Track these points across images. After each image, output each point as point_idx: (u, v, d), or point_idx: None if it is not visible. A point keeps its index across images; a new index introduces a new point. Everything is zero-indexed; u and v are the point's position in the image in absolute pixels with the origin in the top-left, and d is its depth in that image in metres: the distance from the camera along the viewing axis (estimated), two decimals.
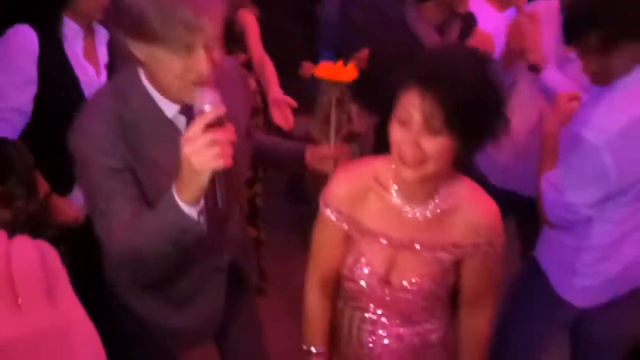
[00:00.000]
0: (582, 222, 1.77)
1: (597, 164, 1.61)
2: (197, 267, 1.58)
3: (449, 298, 1.57)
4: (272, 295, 2.84)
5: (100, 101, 1.43)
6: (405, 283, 1.46)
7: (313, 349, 1.59)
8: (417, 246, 1.44)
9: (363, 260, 1.48)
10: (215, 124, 1.22)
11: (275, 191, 3.62)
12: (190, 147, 1.22)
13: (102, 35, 2.06)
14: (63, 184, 2.03)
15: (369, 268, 1.47)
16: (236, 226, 1.67)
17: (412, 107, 1.27)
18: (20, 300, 0.46)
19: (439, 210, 1.43)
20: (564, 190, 1.73)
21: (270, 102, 2.36)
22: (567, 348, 2.18)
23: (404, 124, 1.29)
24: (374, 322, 1.57)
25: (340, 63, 1.69)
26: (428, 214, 1.43)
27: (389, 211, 1.45)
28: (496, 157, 2.31)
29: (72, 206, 2.05)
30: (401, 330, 1.56)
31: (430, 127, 1.26)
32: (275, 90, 2.40)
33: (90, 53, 2.02)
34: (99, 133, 1.37)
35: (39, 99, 1.94)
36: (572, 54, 2.03)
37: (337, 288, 1.61)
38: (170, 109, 1.41)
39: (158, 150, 1.39)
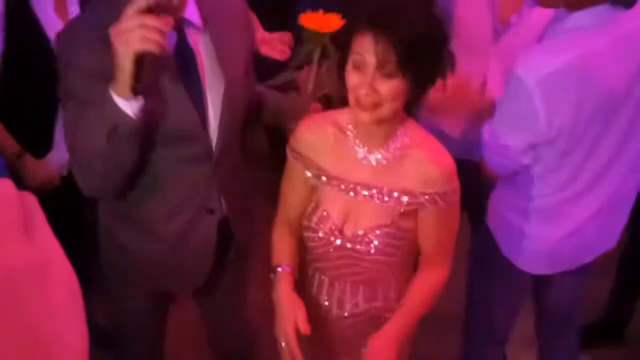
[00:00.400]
0: (523, 182, 1.77)
1: (527, 104, 1.60)
2: (188, 205, 1.60)
3: (408, 269, 1.60)
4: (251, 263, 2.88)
5: (94, 10, 1.46)
6: (357, 232, 1.50)
7: (279, 268, 1.55)
8: (366, 191, 1.49)
9: (321, 207, 1.53)
10: (151, 11, 1.22)
11: (255, 159, 3.61)
12: (116, 29, 1.22)
13: None
14: (38, 144, 2.04)
15: (326, 215, 1.52)
16: (234, 175, 1.67)
17: (366, 51, 1.33)
18: None
19: (392, 156, 1.47)
20: (497, 132, 1.73)
21: (259, 42, 2.36)
22: (530, 315, 2.23)
23: (359, 68, 1.35)
24: (331, 284, 1.61)
25: (325, 13, 1.66)
26: (382, 159, 1.48)
27: (346, 156, 1.50)
28: (448, 129, 2.26)
29: (45, 168, 2.04)
30: (358, 297, 1.60)
31: (384, 70, 1.32)
32: (261, 32, 2.41)
33: (61, 8, 1.98)
34: (85, 36, 1.38)
35: (6, 58, 1.90)
36: (512, 18, 2.07)
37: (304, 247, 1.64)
38: None
39: None
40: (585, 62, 1.59)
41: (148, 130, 1.40)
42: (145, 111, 1.33)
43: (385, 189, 1.48)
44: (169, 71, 1.44)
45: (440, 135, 2.09)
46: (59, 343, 0.50)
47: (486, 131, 1.78)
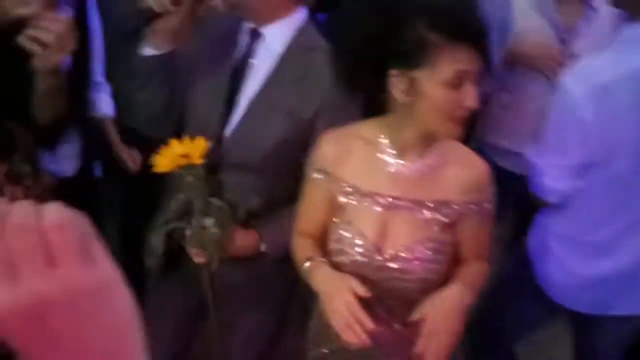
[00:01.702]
0: (571, 207, 1.65)
1: (577, 118, 1.50)
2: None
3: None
4: None
5: None
6: (399, 250, 1.39)
7: (311, 260, 1.43)
8: (404, 205, 1.39)
9: (352, 227, 1.41)
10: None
11: None
12: None
13: None
14: None
15: (359, 235, 1.40)
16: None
17: (465, 64, 1.25)
18: (55, 258, 0.46)
19: (429, 167, 1.39)
20: (545, 152, 1.61)
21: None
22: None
23: (454, 85, 1.26)
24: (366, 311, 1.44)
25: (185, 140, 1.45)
26: (418, 170, 1.39)
27: (378, 169, 1.40)
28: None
29: None
30: (394, 323, 1.48)
31: (476, 82, 1.27)
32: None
33: None
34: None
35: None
36: (579, 24, 1.96)
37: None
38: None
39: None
40: None
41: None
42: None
43: (424, 202, 1.39)
44: (227, 64, 1.57)
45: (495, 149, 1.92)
46: None
47: (531, 154, 1.66)
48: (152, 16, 1.43)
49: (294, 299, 1.76)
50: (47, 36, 1.27)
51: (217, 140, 1.56)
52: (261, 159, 1.55)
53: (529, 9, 2.01)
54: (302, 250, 1.49)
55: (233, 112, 1.57)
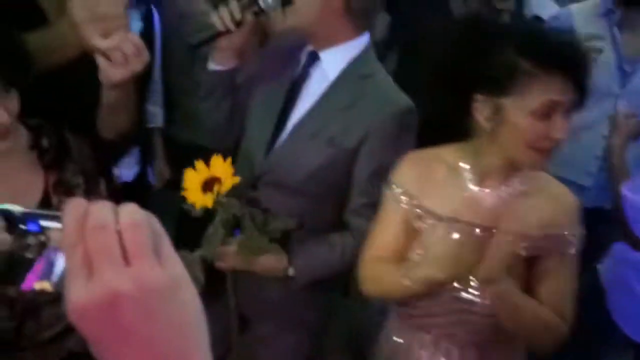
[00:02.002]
0: None
1: None
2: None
3: None
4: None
5: None
6: (471, 280, 1.31)
7: (405, 280, 1.32)
8: (482, 233, 1.30)
9: (428, 252, 1.33)
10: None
11: None
12: None
13: None
14: None
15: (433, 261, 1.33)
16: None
17: (556, 94, 1.19)
18: (129, 256, 0.48)
19: (510, 196, 1.32)
20: None
21: None
22: None
23: (543, 115, 1.20)
24: (436, 345, 1.41)
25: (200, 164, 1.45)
26: (499, 199, 1.32)
27: (457, 195, 1.34)
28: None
29: None
30: None
31: (568, 112, 1.21)
32: None
33: None
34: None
35: None
36: None
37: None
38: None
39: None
40: None
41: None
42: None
43: (503, 232, 1.30)
44: (285, 84, 1.58)
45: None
46: None
47: (626, 191, 1.56)
48: (216, 34, 1.45)
49: (332, 326, 1.75)
50: (116, 54, 1.25)
51: (262, 157, 1.57)
52: (299, 182, 1.54)
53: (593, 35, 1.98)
54: (388, 274, 1.38)
55: (281, 132, 1.57)
